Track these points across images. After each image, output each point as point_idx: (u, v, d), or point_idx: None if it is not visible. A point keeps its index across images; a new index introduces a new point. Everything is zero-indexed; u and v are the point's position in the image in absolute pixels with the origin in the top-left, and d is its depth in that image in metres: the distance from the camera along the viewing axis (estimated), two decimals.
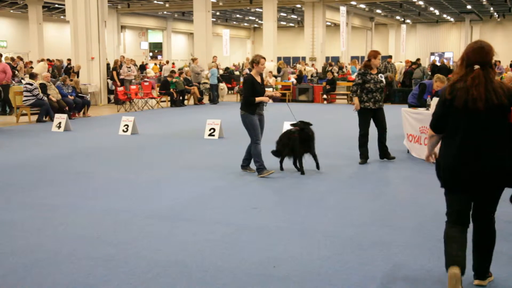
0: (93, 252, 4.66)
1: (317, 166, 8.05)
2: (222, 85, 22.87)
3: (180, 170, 8.27)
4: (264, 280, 4.07)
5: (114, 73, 20.28)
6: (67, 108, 15.02)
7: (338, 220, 5.63)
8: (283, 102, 21.04)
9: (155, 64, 38.99)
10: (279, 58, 32.51)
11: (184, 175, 7.89)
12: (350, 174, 8.06)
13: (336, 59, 39.11)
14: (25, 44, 36.22)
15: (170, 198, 6.54)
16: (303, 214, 5.85)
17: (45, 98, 14.68)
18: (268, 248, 4.76)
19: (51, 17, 40.15)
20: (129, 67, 20.67)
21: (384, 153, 8.90)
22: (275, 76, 24.10)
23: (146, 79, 23.98)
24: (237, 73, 30.91)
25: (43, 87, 14.83)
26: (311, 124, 8.03)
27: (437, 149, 3.97)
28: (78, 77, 18.58)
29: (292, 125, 8.00)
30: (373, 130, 8.71)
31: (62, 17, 38.15)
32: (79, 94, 16.30)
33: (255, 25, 56.53)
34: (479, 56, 3.69)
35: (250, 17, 49.02)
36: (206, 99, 22.19)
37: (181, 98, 20.42)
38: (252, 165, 7.97)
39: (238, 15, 47.54)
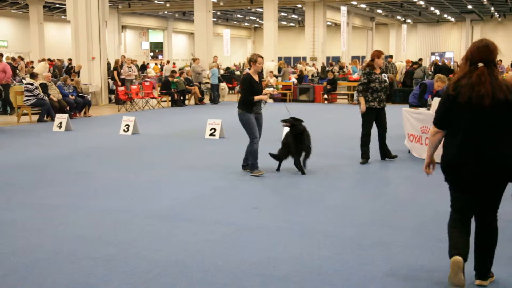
0: (93, 252, 4.66)
1: (304, 166, 7.86)
2: (223, 85, 22.88)
3: (180, 170, 8.27)
4: (264, 280, 4.07)
5: (115, 73, 20.29)
6: (68, 108, 15.03)
7: (338, 220, 5.63)
8: (284, 102, 21.06)
9: (156, 64, 39.00)
10: (279, 58, 32.52)
11: (184, 175, 7.89)
12: (350, 174, 8.06)
13: (336, 59, 39.13)
14: (26, 44, 36.23)
15: (170, 198, 6.54)
16: (303, 214, 5.85)
17: (46, 98, 14.69)
18: (268, 248, 4.76)
19: (52, 17, 40.17)
20: (130, 67, 20.68)
21: (385, 153, 8.90)
22: (276, 76, 24.10)
23: (147, 79, 23.99)
24: (237, 73, 30.93)
25: (44, 87, 14.84)
26: (302, 121, 8.02)
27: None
28: (79, 77, 18.60)
29: (282, 121, 7.99)
30: (373, 130, 8.70)
31: (63, 17, 38.20)
32: (80, 94, 16.31)
33: (256, 25, 56.52)
34: (483, 54, 3.73)
35: (251, 17, 49.00)
36: (207, 99, 22.19)
37: (182, 98, 20.43)
38: None
39: (238, 15, 47.54)
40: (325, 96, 21.90)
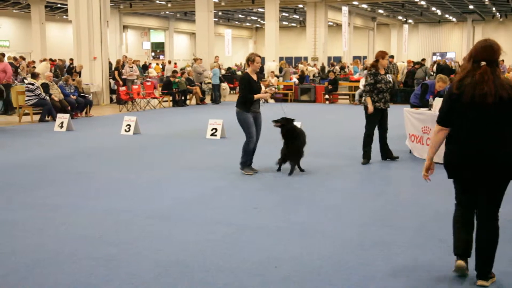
0: (95, 252, 4.67)
1: (291, 171, 7.77)
2: (224, 85, 22.89)
3: (181, 170, 8.28)
4: (264, 280, 4.07)
5: (116, 73, 20.31)
6: (69, 107, 15.04)
7: (338, 220, 5.63)
8: (285, 102, 21.06)
9: (157, 64, 39.02)
10: (281, 58, 32.53)
11: (185, 175, 7.90)
12: (351, 174, 8.06)
13: (338, 59, 39.13)
14: (28, 44, 36.28)
15: (171, 198, 6.55)
16: (303, 214, 5.85)
17: (48, 98, 14.71)
18: (268, 248, 4.76)
19: (53, 17, 40.21)
20: (131, 67, 20.70)
21: (387, 154, 8.89)
22: (277, 76, 24.10)
23: (148, 79, 23.99)
24: (239, 73, 30.92)
25: (46, 86, 14.85)
26: (293, 120, 8.02)
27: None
28: (80, 77, 18.61)
29: (274, 121, 7.99)
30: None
31: (64, 17, 38.16)
32: (82, 94, 16.33)
33: (257, 25, 56.52)
34: (486, 54, 3.76)
35: (252, 17, 49.01)
36: (208, 99, 22.20)
37: (183, 98, 20.44)
38: (254, 165, 7.99)
39: (240, 15, 47.54)
40: (326, 96, 21.90)
